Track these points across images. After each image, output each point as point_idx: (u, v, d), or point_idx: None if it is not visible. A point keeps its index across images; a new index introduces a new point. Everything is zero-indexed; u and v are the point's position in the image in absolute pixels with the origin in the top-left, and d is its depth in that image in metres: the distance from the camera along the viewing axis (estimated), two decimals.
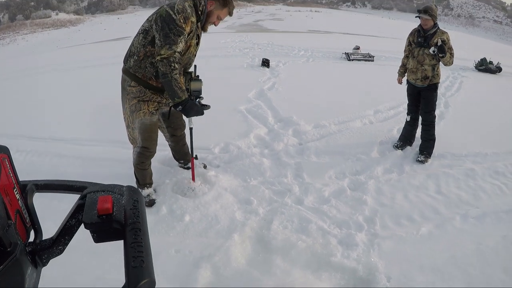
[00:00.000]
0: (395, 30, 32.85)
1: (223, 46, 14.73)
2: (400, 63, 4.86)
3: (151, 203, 3.46)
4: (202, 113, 3.18)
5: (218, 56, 12.10)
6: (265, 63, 10.03)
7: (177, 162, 4.12)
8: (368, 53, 12.14)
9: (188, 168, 4.00)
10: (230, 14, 3.29)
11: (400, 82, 4.92)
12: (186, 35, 2.98)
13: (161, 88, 3.14)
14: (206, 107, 3.29)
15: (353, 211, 3.47)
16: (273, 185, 3.83)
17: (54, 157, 4.81)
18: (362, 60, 11.66)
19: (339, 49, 13.22)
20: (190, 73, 3.32)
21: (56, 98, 7.75)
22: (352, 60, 11.61)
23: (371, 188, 3.86)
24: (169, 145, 4.00)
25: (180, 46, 2.92)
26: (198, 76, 3.32)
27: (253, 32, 24.90)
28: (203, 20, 3.19)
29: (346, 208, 3.51)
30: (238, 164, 4.24)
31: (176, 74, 2.87)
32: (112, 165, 4.37)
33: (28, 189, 0.68)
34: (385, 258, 2.88)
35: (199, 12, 3.13)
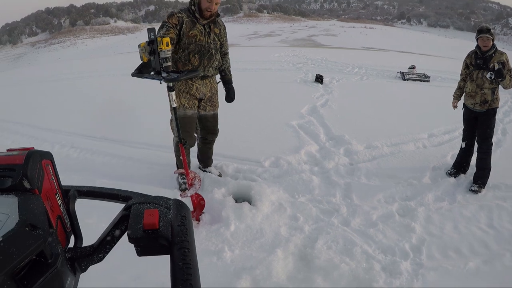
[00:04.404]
0: (452, 49, 31.85)
1: (277, 60, 14.82)
2: (456, 86, 4.68)
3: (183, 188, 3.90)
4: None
5: (272, 70, 12.19)
6: (319, 79, 9.99)
7: (199, 164, 4.44)
8: (424, 73, 11.79)
9: (205, 171, 4.35)
10: None
11: (455, 106, 4.73)
12: (171, 26, 3.51)
13: (182, 69, 3.50)
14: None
15: (400, 238, 3.35)
16: (321, 204, 3.78)
17: (106, 156, 5.05)
18: (417, 80, 11.33)
19: (394, 67, 12.95)
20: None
21: (111, 101, 8.10)
22: (407, 80, 11.31)
23: (421, 215, 3.72)
24: (197, 144, 4.26)
25: (160, 33, 3.45)
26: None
27: (306, 47, 24.97)
28: (197, 10, 3.60)
29: (393, 234, 3.40)
30: (287, 179, 4.23)
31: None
32: (161, 169, 4.50)
33: (70, 194, 0.67)
34: None
35: (192, 6, 3.60)
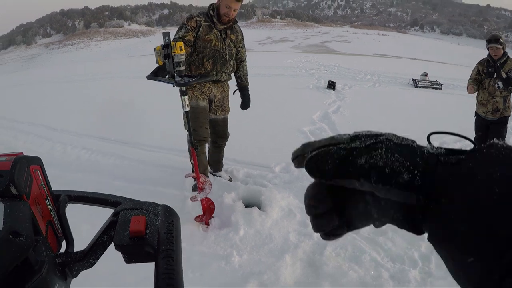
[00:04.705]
0: (465, 56, 31.53)
1: (290, 66, 14.84)
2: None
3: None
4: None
5: (284, 76, 12.20)
6: (331, 85, 9.98)
7: (209, 167, 4.31)
8: (436, 81, 11.71)
9: (215, 175, 4.32)
10: None
11: (472, 91, 4.53)
12: (190, 28, 3.53)
13: (195, 73, 3.50)
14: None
15: (409, 246, 3.30)
16: None
17: (117, 158, 5.08)
18: (429, 87, 11.27)
19: (406, 74, 12.88)
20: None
21: (123, 103, 8.17)
22: (420, 87, 11.25)
23: None
24: (208, 148, 4.22)
25: (179, 34, 3.48)
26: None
27: (319, 53, 24.94)
28: (215, 15, 3.61)
29: (402, 242, 3.35)
30: (297, 185, 4.20)
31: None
32: (173, 172, 4.50)
33: (61, 199, 0.65)
34: None
35: (210, 11, 3.63)
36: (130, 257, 0.54)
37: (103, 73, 15.04)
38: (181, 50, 2.89)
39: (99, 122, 6.75)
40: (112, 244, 0.58)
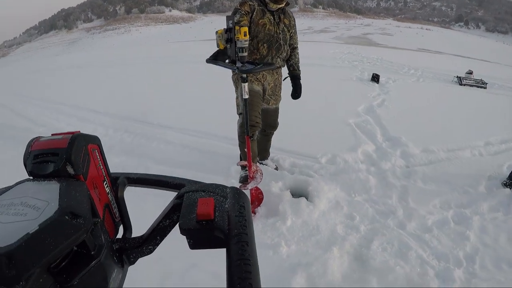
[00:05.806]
0: (509, 56, 30.06)
1: (332, 57, 14.58)
2: None
3: (243, 179, 3.68)
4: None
5: (326, 66, 12.00)
6: (375, 78, 9.73)
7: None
8: (481, 79, 11.18)
9: (261, 164, 4.24)
10: None
11: None
12: (244, 13, 3.33)
13: (251, 62, 3.31)
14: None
15: (454, 245, 3.20)
16: (377, 204, 3.68)
17: (161, 143, 5.09)
18: (474, 86, 10.79)
19: (450, 71, 12.39)
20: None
21: (165, 88, 8.23)
22: (464, 85, 10.80)
23: (475, 224, 3.52)
24: (256, 136, 4.10)
25: (234, 19, 3.05)
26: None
27: (361, 45, 24.41)
28: None
29: (447, 241, 3.25)
30: (343, 177, 4.14)
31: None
32: (218, 159, 4.49)
33: (119, 182, 0.61)
34: None
35: None
36: (196, 242, 0.50)
37: (144, 57, 15.20)
38: (245, 35, 2.80)
39: (142, 106, 6.82)
40: (169, 230, 0.56)
